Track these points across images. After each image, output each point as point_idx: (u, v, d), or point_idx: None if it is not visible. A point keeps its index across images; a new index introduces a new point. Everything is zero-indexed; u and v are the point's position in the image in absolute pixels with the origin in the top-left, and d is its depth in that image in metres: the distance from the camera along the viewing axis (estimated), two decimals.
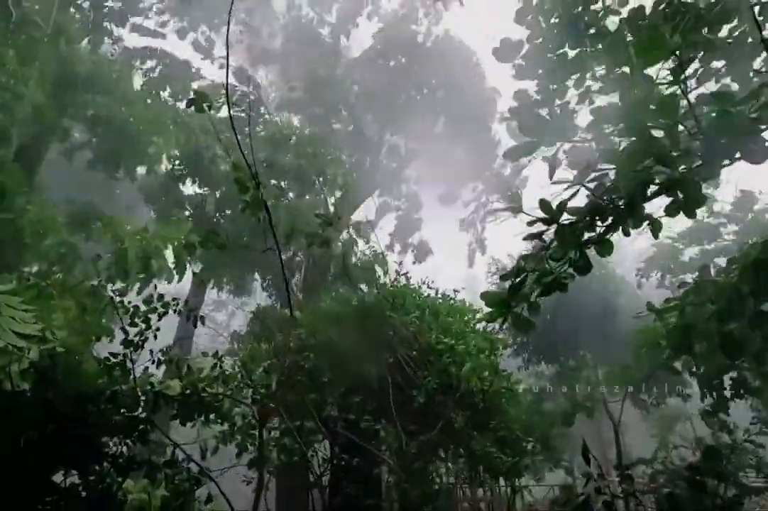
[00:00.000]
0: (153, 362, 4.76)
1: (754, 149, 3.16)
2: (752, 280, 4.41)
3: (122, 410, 4.32)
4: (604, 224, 3.48)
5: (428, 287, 10.45)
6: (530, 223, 3.55)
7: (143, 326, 4.64)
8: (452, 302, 10.19)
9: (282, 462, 5.60)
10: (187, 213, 14.52)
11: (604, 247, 3.45)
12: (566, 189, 3.61)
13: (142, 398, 4.45)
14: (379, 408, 8.54)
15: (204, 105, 4.45)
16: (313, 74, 19.06)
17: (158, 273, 6.61)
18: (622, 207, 3.37)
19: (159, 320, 4.79)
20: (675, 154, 3.23)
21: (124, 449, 4.35)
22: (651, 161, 3.21)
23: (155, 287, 5.57)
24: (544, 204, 3.45)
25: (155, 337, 4.70)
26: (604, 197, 3.45)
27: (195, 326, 5.24)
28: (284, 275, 5.22)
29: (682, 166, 3.23)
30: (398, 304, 9.25)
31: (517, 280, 3.60)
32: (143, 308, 4.88)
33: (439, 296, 10.19)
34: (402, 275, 10.49)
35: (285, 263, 13.39)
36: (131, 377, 4.40)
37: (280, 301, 14.11)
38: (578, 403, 6.35)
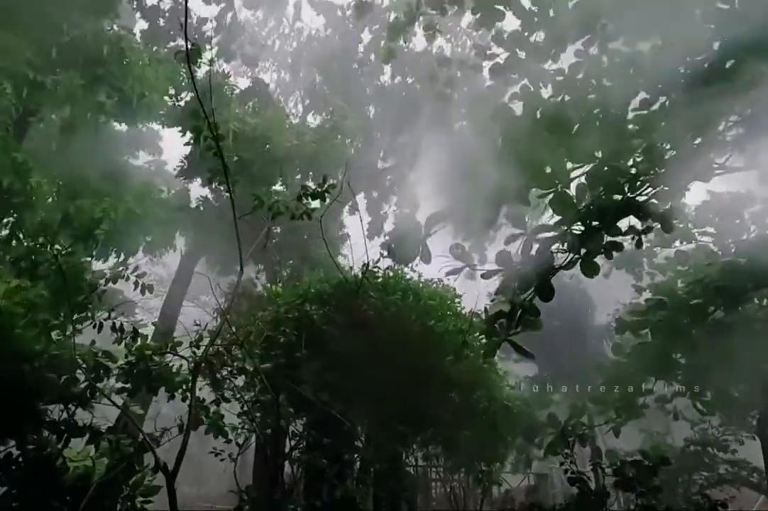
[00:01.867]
0: (94, 327, 4.71)
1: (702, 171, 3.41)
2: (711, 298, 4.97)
3: (61, 376, 4.27)
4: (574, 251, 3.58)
5: (411, 271, 10.41)
6: (485, 277, 3.80)
7: (87, 289, 4.59)
8: (435, 286, 10.12)
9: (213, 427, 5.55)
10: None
11: (589, 268, 3.61)
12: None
13: (83, 365, 4.39)
14: (354, 387, 8.54)
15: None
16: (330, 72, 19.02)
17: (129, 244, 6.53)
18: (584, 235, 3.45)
19: (105, 284, 4.76)
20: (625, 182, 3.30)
21: (65, 414, 4.32)
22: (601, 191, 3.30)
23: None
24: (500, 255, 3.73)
25: (99, 298, 4.66)
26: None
27: (143, 294, 5.19)
28: (239, 245, 5.13)
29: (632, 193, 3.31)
30: (379, 285, 9.20)
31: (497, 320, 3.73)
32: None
33: (422, 280, 10.13)
34: (385, 257, 10.43)
35: (276, 239, 13.39)
36: (71, 341, 4.34)
37: (267, 279, 14.10)
38: (568, 431, 6.49)
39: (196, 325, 5.38)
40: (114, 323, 4.80)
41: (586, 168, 3.46)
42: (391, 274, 9.73)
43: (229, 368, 6.17)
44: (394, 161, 18.72)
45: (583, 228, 3.41)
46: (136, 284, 5.00)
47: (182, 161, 14.42)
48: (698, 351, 6.04)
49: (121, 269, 4.89)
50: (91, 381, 4.38)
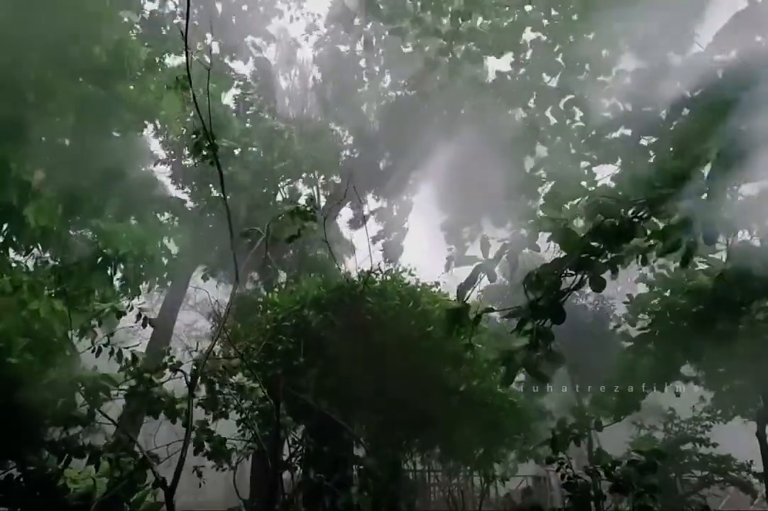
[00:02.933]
0: (93, 351, 4.65)
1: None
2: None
3: (60, 399, 4.22)
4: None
5: (410, 275, 10.38)
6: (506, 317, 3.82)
7: (89, 312, 4.54)
8: (433, 290, 10.11)
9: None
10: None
11: (598, 284, 3.72)
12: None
13: (82, 388, 4.33)
14: (353, 391, 8.53)
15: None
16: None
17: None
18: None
19: (111, 316, 4.70)
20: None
21: (63, 434, 4.27)
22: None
23: None
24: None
25: (99, 323, 4.61)
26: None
27: (144, 327, 5.11)
28: (234, 255, 5.10)
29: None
30: (377, 289, 9.18)
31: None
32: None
33: (419, 285, 10.10)
34: (387, 262, 10.44)
35: (272, 247, 13.32)
36: (70, 365, 4.29)
37: (264, 286, 14.01)
38: (567, 430, 6.56)
39: (192, 350, 5.32)
40: (113, 349, 4.74)
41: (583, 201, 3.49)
42: (389, 278, 9.71)
43: (230, 383, 6.12)
44: (392, 163, 18.68)
45: (587, 252, 3.41)
46: (138, 316, 4.91)
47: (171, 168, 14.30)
48: (702, 357, 6.09)
49: (125, 299, 4.85)
50: (90, 405, 4.34)
